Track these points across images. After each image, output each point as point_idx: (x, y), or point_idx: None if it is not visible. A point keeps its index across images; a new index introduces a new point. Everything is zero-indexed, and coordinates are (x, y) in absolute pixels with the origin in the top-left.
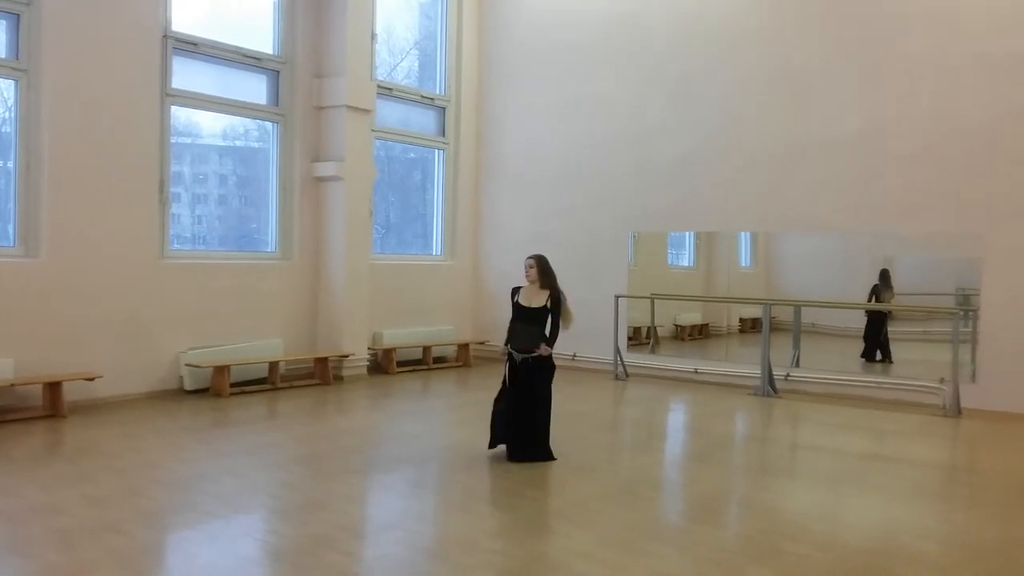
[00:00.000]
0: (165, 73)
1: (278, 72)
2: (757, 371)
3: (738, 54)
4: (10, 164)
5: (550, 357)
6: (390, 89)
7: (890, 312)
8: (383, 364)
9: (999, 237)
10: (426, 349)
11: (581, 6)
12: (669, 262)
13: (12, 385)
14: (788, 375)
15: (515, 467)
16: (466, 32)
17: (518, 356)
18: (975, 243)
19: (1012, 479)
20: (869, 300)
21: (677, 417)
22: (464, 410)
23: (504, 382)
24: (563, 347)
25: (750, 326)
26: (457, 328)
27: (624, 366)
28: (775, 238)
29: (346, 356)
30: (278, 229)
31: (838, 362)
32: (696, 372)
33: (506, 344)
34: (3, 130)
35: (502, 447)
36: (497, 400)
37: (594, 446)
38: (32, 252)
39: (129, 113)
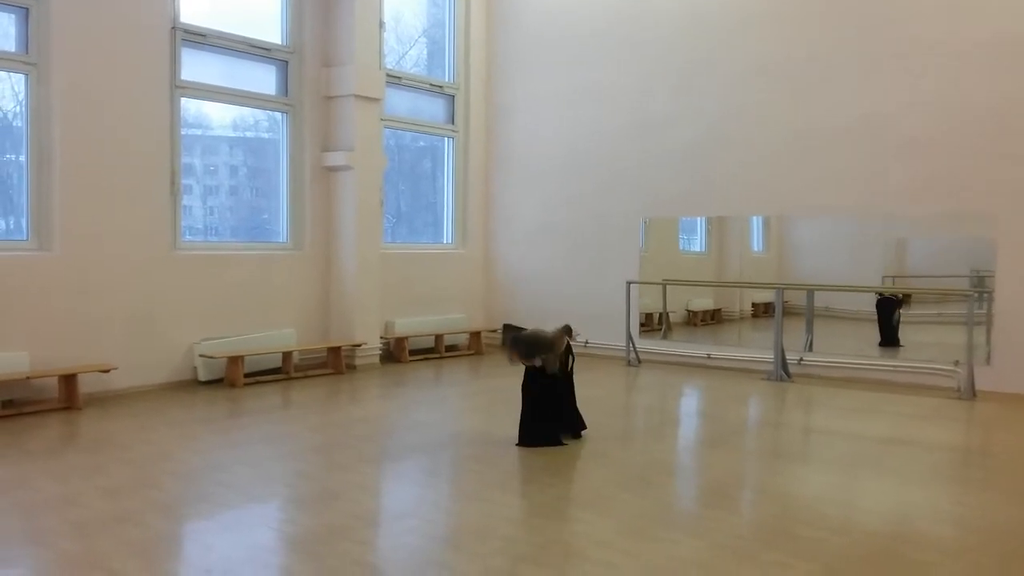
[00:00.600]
0: (174, 65)
1: (287, 62)
2: (770, 356)
3: (747, 39)
4: (22, 158)
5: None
6: (399, 78)
7: (901, 299)
8: (395, 353)
9: (1013, 218)
10: (438, 338)
11: None
12: (681, 248)
13: (28, 378)
14: (801, 359)
15: (528, 454)
16: (474, 19)
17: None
18: (989, 224)
19: None
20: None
21: (690, 403)
22: (477, 398)
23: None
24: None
25: (763, 311)
26: (468, 316)
27: (636, 352)
28: (787, 222)
29: (358, 345)
30: (289, 219)
31: (852, 346)
32: (709, 357)
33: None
34: (14, 124)
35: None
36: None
37: (607, 432)
38: (45, 246)
39: (139, 105)
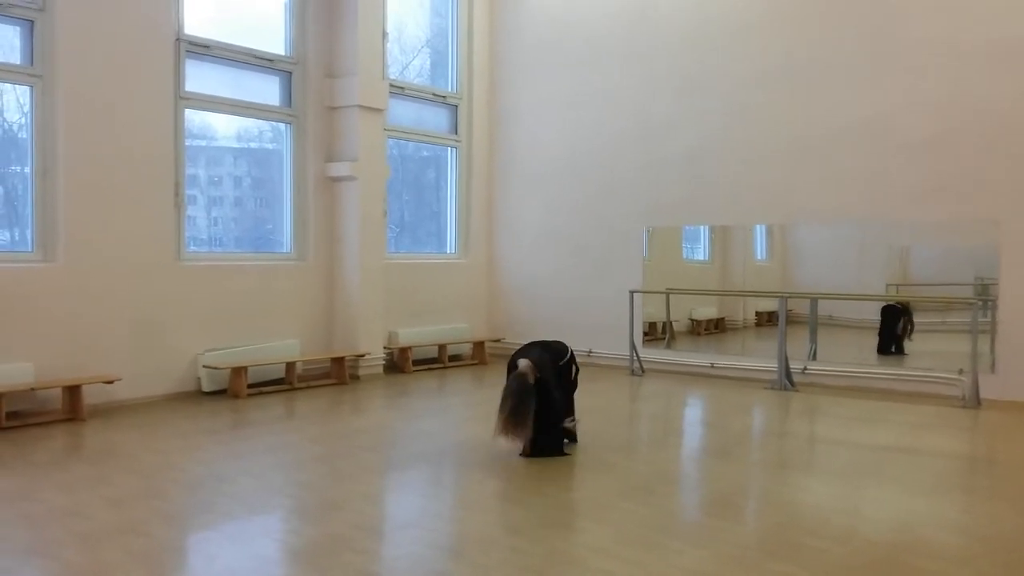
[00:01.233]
0: (178, 76)
1: (290, 73)
2: (774, 365)
3: (748, 45)
4: (27, 169)
5: (571, 358)
6: (402, 88)
7: (908, 308)
8: (399, 363)
9: (1017, 224)
10: (442, 347)
11: (591, 3)
12: (684, 256)
13: (32, 389)
14: (805, 368)
15: (532, 464)
16: (477, 29)
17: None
18: (992, 230)
19: None
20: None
21: (694, 412)
22: (480, 408)
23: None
24: (578, 343)
25: (766, 319)
26: (472, 326)
27: (640, 361)
28: (790, 230)
29: (362, 355)
30: (293, 230)
31: (856, 354)
32: (712, 366)
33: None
34: (19, 136)
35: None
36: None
37: (610, 442)
38: (50, 257)
39: (143, 117)
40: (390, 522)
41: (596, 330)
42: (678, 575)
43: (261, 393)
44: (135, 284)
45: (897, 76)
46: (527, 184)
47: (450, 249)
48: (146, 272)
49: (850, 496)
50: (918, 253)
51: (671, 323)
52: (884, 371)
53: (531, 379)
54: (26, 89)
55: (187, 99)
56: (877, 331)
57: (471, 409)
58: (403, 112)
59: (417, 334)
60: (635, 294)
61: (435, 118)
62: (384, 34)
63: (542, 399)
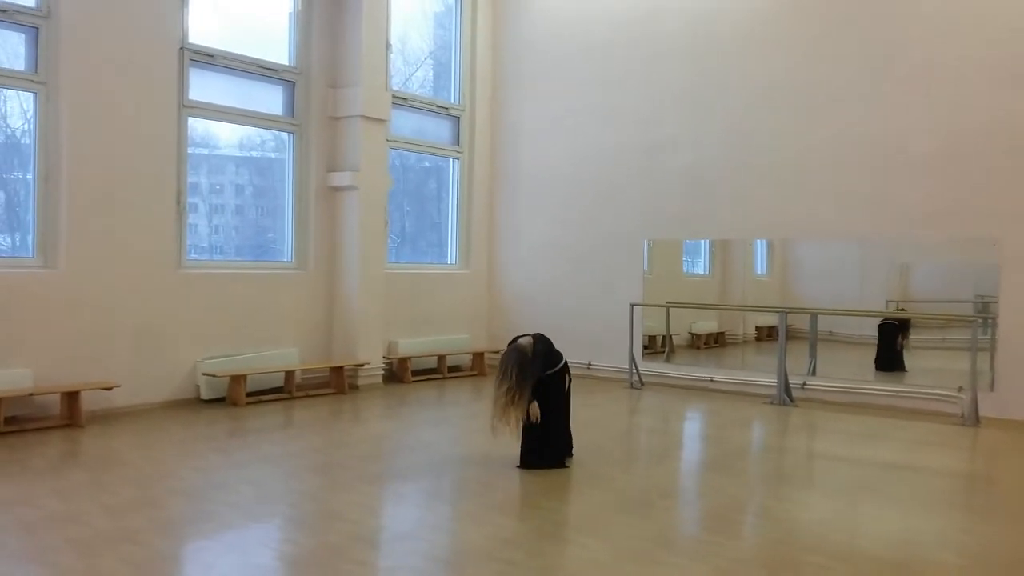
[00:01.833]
0: (182, 85)
1: (294, 83)
2: (773, 379)
3: (752, 61)
4: (29, 176)
5: (564, 368)
6: (405, 99)
7: (904, 325)
8: (398, 373)
9: (1016, 242)
10: (441, 358)
11: (595, 16)
12: (684, 270)
13: (31, 395)
14: (805, 384)
15: (530, 477)
16: (480, 41)
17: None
18: (992, 249)
19: None
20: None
21: (693, 426)
22: (479, 419)
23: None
24: (578, 356)
25: (766, 334)
26: (472, 337)
27: (639, 375)
28: (790, 246)
29: (361, 365)
30: (294, 239)
31: (855, 370)
32: (712, 381)
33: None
34: (23, 142)
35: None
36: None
37: (609, 455)
38: (51, 263)
39: (147, 125)
40: (387, 533)
41: (596, 343)
42: None
43: (260, 402)
44: (135, 291)
45: (900, 96)
46: (528, 196)
47: (451, 260)
48: (147, 279)
49: (849, 513)
50: (919, 270)
51: (671, 337)
52: (883, 387)
53: (530, 354)
54: (30, 95)
55: (190, 108)
56: (876, 347)
57: (470, 420)
58: (405, 123)
59: (417, 344)
60: (635, 307)
61: (437, 129)
62: (387, 45)
63: (541, 401)
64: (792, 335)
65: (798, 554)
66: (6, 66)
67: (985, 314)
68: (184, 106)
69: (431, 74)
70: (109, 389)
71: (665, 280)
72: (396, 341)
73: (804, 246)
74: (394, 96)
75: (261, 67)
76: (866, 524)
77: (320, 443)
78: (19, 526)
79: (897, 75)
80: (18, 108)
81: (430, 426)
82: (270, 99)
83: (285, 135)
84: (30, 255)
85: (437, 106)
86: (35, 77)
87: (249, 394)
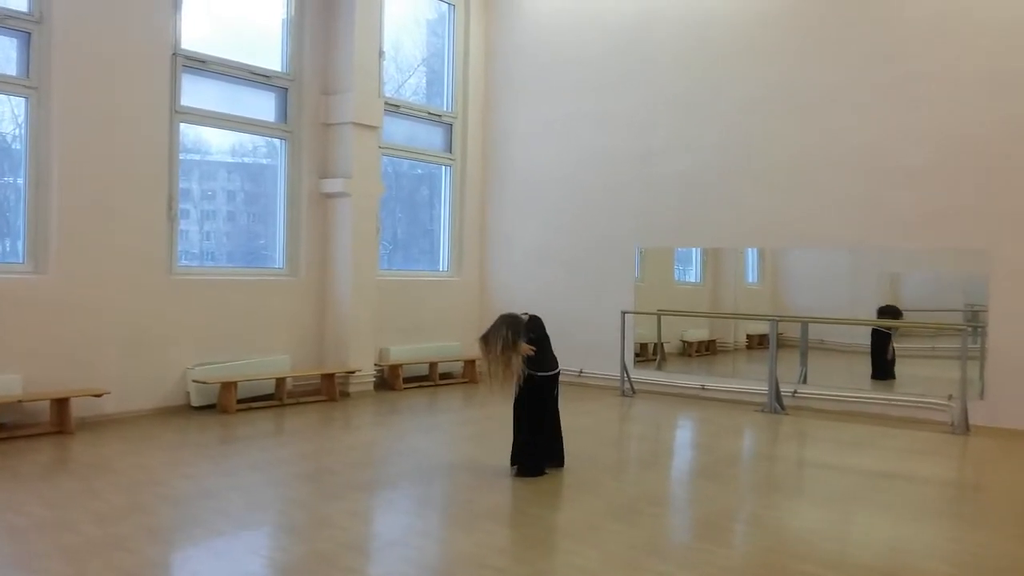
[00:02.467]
0: (174, 91)
1: (286, 89)
2: (764, 387)
3: (745, 69)
4: (20, 181)
5: (556, 376)
6: (397, 106)
7: (894, 330)
8: (389, 380)
9: (1006, 253)
10: (432, 365)
11: (589, 23)
12: (676, 278)
13: (20, 401)
14: (796, 392)
15: (521, 484)
16: (473, 49)
17: (525, 371)
18: (982, 259)
19: (1021, 497)
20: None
21: (684, 434)
22: (471, 426)
23: (515, 402)
24: (569, 363)
25: (757, 342)
26: (464, 344)
27: (631, 382)
28: (782, 254)
29: (352, 372)
30: (286, 245)
31: (846, 379)
32: (703, 388)
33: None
34: (13, 147)
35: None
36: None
37: (600, 463)
38: (41, 268)
39: (138, 130)
40: (376, 540)
41: (587, 350)
42: None
43: (250, 409)
44: (126, 297)
45: (891, 104)
46: (520, 203)
47: (442, 267)
48: (137, 285)
49: (839, 521)
50: (909, 279)
51: (662, 344)
52: (874, 396)
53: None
54: (21, 100)
55: (183, 113)
56: (869, 356)
57: (461, 428)
58: (398, 130)
59: (408, 351)
60: (627, 315)
61: (429, 136)
62: (380, 52)
63: (538, 400)
64: (783, 343)
65: (788, 562)
66: None
67: (975, 323)
68: (176, 112)
69: (424, 81)
70: (99, 396)
71: (657, 288)
72: (387, 348)
73: (795, 254)
74: (387, 103)
75: (253, 73)
76: (856, 532)
77: (311, 450)
78: (9, 533)
79: (888, 84)
80: (9, 113)
81: (421, 433)
82: (262, 105)
83: (277, 141)
84: (20, 261)
85: (430, 113)
86: (27, 82)
87: (240, 401)
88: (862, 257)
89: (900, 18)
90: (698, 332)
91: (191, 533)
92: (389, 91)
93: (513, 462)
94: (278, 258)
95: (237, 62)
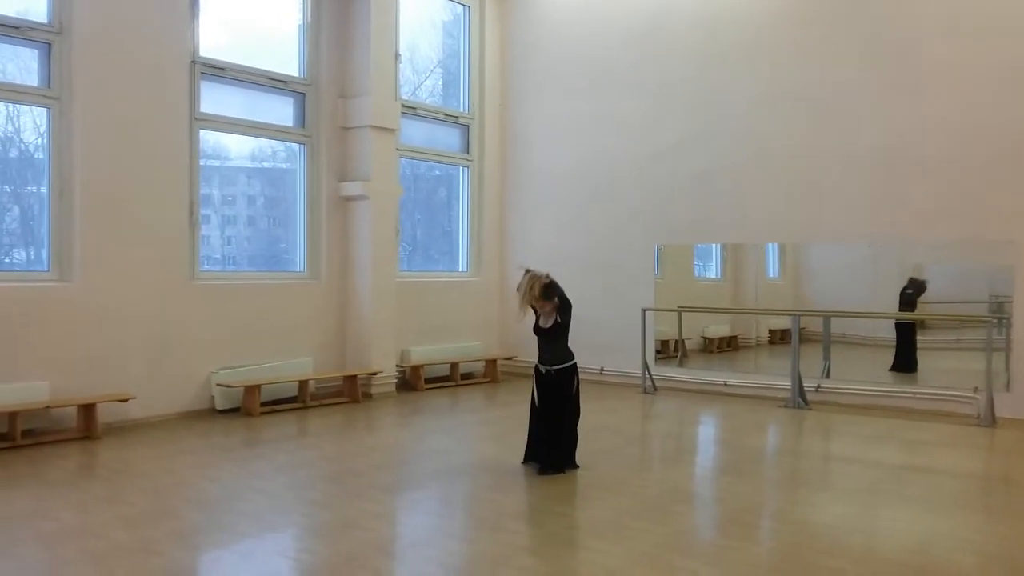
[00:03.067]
0: (193, 98)
1: (304, 94)
2: (787, 383)
3: (760, 64)
4: (43, 190)
5: (572, 368)
6: (414, 108)
7: (919, 321)
8: (411, 381)
9: None
10: (454, 365)
11: (603, 22)
12: (696, 274)
13: (47, 407)
14: (819, 386)
15: (544, 482)
16: (488, 50)
17: (543, 368)
18: (1006, 249)
19: None
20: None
21: (707, 430)
22: (493, 426)
23: (532, 398)
24: (591, 361)
25: (779, 337)
26: (484, 344)
27: (652, 379)
28: (802, 249)
29: (374, 374)
30: (306, 249)
31: (869, 372)
32: (725, 385)
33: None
34: (36, 157)
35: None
36: (532, 418)
37: (623, 460)
38: (65, 276)
39: (159, 138)
40: (402, 541)
41: (608, 348)
42: None
43: (274, 411)
44: (150, 303)
45: (911, 96)
46: (538, 202)
47: (462, 267)
48: (161, 291)
49: (865, 515)
50: (932, 272)
51: (683, 341)
52: (898, 389)
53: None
54: (43, 111)
55: (202, 120)
56: (893, 348)
57: (484, 427)
58: (415, 132)
59: (429, 352)
60: (647, 312)
61: (447, 138)
62: (396, 55)
63: (558, 402)
64: (805, 338)
65: (814, 557)
66: (20, 82)
67: (1000, 314)
68: (196, 119)
69: (440, 83)
70: (125, 401)
71: (677, 284)
72: (409, 349)
73: (816, 249)
74: (404, 105)
75: (271, 79)
76: (882, 526)
77: (334, 452)
78: (37, 538)
79: (909, 75)
80: (32, 123)
81: (443, 434)
82: (281, 110)
83: (296, 146)
84: (45, 269)
85: (446, 115)
86: (48, 92)
87: (263, 404)
88: (883, 250)
89: (917, 9)
90: (719, 328)
91: (218, 536)
92: (406, 93)
93: (532, 459)
94: (299, 262)
95: (255, 68)
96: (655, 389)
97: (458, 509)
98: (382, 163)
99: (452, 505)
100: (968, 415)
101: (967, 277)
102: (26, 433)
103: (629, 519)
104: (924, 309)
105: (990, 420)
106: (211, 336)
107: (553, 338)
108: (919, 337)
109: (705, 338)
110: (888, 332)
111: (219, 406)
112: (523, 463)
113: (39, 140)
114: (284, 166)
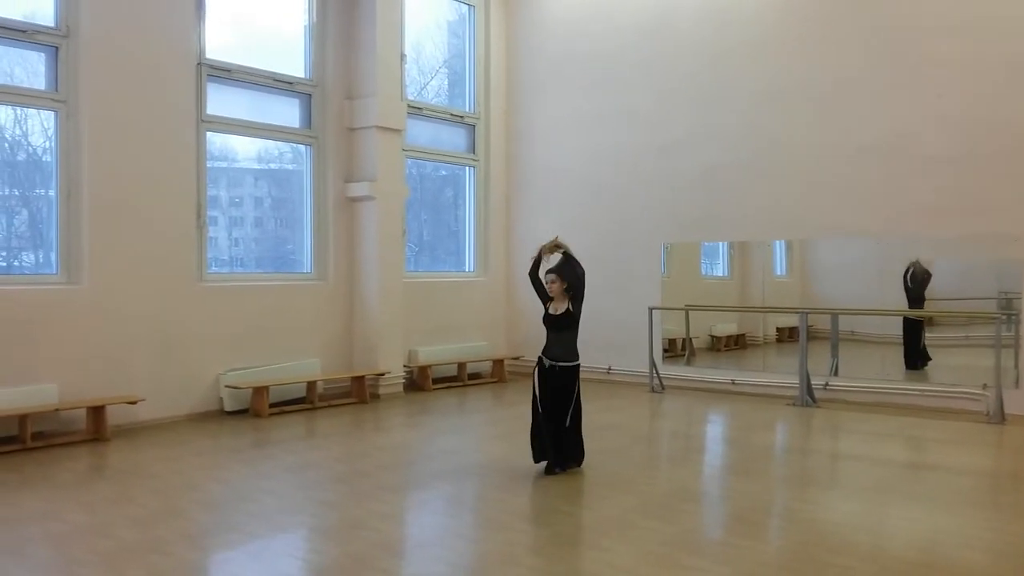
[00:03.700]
0: (200, 100)
1: (310, 95)
2: (795, 381)
3: (765, 60)
4: (51, 193)
5: (578, 368)
6: (420, 108)
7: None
8: (419, 381)
9: None
10: (461, 365)
11: (608, 20)
12: (703, 272)
13: (57, 410)
14: (827, 384)
15: (552, 482)
16: (494, 49)
17: (547, 362)
18: (1015, 245)
19: None
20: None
21: (715, 429)
22: (500, 425)
23: (534, 394)
24: (598, 360)
25: (787, 335)
26: (491, 344)
27: (660, 378)
28: (809, 246)
29: (382, 374)
30: (313, 250)
31: (878, 370)
32: (733, 383)
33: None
34: (44, 160)
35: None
36: (534, 415)
37: (631, 459)
38: (74, 279)
39: (166, 140)
40: (410, 541)
41: (615, 347)
42: None
43: (282, 412)
44: (158, 305)
45: (917, 91)
46: (544, 202)
47: (468, 267)
48: (169, 293)
49: (874, 514)
50: (940, 268)
51: (691, 339)
52: (907, 386)
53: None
54: (51, 114)
55: (209, 122)
56: (901, 346)
57: (491, 427)
58: (421, 132)
59: (437, 352)
60: (654, 310)
61: (453, 138)
62: (402, 56)
63: (563, 399)
64: (813, 335)
65: (823, 555)
66: (27, 85)
67: (1008, 311)
68: (202, 121)
69: (446, 83)
70: (134, 403)
71: (683, 283)
72: (416, 349)
73: (823, 246)
74: (409, 106)
75: (277, 80)
76: (892, 524)
77: (343, 452)
78: (47, 539)
79: (914, 70)
80: (39, 126)
81: (451, 434)
82: (287, 112)
83: (302, 147)
84: (54, 272)
85: (452, 115)
86: (56, 96)
87: (272, 405)
88: (892, 247)
89: (921, 6)
90: (727, 326)
91: (227, 536)
92: (411, 94)
93: (544, 458)
94: (306, 262)
95: (261, 70)
96: (663, 388)
97: (466, 509)
98: (388, 164)
99: (460, 505)
100: (977, 412)
101: (976, 273)
102: (36, 435)
103: (637, 518)
104: (932, 306)
105: (999, 417)
106: (219, 338)
107: (564, 327)
108: (927, 334)
109: (712, 336)
110: (896, 329)
111: (227, 407)
112: (536, 463)
113: (47, 143)
114: (291, 167)
